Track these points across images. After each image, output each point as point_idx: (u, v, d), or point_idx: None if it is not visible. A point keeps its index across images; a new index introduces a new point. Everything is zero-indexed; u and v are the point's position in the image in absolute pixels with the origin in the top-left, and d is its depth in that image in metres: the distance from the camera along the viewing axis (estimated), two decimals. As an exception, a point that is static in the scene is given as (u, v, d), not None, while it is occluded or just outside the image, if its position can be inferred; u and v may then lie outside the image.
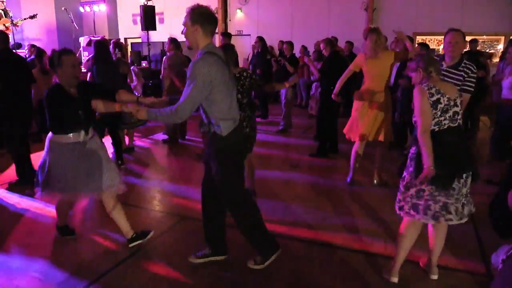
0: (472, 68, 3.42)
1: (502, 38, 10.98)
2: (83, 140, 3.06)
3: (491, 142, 5.25)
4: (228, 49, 3.89)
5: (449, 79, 3.36)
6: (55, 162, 3.04)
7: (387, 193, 4.56)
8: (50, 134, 3.07)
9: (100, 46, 5.24)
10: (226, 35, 7.95)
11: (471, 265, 3.09)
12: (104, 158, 3.15)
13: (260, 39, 8.46)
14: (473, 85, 3.43)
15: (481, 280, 2.90)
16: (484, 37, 11.33)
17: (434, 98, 2.55)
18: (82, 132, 3.05)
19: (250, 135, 3.93)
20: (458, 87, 3.36)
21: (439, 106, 2.55)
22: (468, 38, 11.31)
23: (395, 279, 2.83)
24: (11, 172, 4.96)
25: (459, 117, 2.63)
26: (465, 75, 3.41)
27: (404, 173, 2.77)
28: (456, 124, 2.62)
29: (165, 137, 6.90)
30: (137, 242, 3.24)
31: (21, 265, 3.07)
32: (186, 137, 7.12)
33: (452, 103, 2.59)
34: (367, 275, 2.96)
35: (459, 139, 2.64)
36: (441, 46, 11.83)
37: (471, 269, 3.04)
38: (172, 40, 6.79)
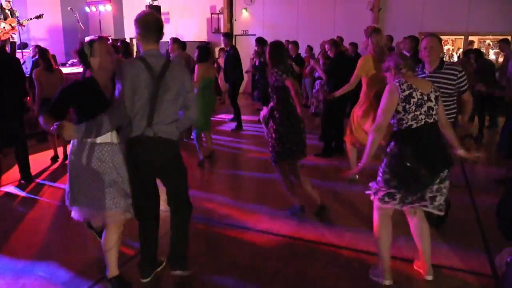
0: (457, 68, 3.45)
1: (509, 38, 10.90)
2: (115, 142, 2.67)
3: (501, 138, 5.19)
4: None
5: (434, 80, 3.35)
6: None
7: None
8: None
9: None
10: (227, 36, 7.98)
11: (476, 265, 3.07)
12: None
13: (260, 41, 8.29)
14: (467, 82, 3.46)
15: (486, 281, 2.89)
16: (491, 37, 11.26)
17: (406, 93, 2.57)
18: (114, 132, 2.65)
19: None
20: (452, 90, 3.42)
21: (412, 100, 2.56)
22: (474, 38, 11.35)
23: (389, 282, 2.81)
24: (15, 172, 4.99)
25: (435, 112, 2.63)
26: (454, 77, 3.41)
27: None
28: (432, 120, 2.63)
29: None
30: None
31: (26, 264, 3.10)
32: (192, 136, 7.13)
33: (425, 97, 2.60)
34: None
35: (437, 136, 2.67)
36: (446, 47, 11.79)
37: (476, 270, 3.02)
38: (175, 40, 6.80)
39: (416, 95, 2.57)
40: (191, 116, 2.74)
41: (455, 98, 3.48)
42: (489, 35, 11.14)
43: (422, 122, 2.58)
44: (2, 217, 3.97)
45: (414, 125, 2.58)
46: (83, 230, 3.56)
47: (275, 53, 3.75)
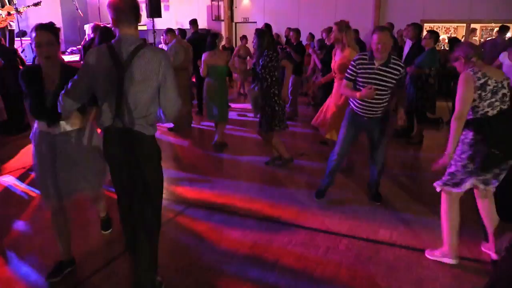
0: (401, 64, 3.54)
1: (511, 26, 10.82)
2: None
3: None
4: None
5: (381, 77, 3.49)
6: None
7: (393, 183, 4.56)
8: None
9: (106, 33, 5.19)
10: (192, 22, 8.15)
11: (474, 253, 3.09)
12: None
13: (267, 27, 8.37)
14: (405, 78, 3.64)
15: (485, 268, 2.90)
16: (493, 24, 11.16)
17: (482, 81, 2.66)
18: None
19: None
20: (392, 85, 3.54)
21: (488, 88, 2.65)
22: (476, 26, 11.26)
23: (455, 261, 2.93)
24: (18, 160, 5.00)
25: (507, 99, 2.73)
26: (398, 73, 3.51)
27: (455, 156, 2.82)
28: (506, 107, 2.73)
29: (171, 125, 6.90)
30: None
31: (27, 253, 3.13)
32: (192, 125, 7.14)
33: (499, 85, 2.69)
34: (372, 263, 2.98)
35: (511, 122, 2.76)
36: (441, 36, 11.69)
37: (475, 257, 3.04)
38: (168, 31, 6.76)
39: (491, 82, 2.66)
40: (166, 119, 2.39)
41: (390, 92, 3.61)
42: (491, 23, 11.04)
43: (498, 109, 2.68)
44: (3, 206, 3.99)
45: (490, 112, 2.68)
46: (84, 219, 3.59)
47: (268, 36, 4.56)
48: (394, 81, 3.53)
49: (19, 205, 3.97)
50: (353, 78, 3.63)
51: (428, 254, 3.05)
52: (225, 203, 3.99)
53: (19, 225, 3.58)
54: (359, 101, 3.62)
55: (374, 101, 3.55)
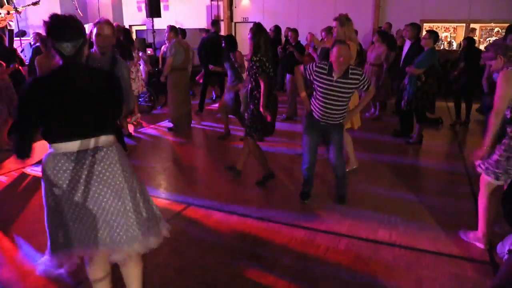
0: (359, 71, 3.63)
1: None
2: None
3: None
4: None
5: (340, 89, 3.57)
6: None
7: (392, 183, 4.57)
8: None
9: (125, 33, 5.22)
10: (213, 23, 8.26)
11: (475, 253, 3.09)
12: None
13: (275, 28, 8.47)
14: (367, 79, 3.67)
15: (485, 268, 2.91)
16: (492, 24, 11.16)
17: None
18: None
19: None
20: (352, 92, 3.66)
21: None
22: (475, 26, 11.26)
23: (486, 246, 3.09)
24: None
25: None
26: (357, 81, 3.59)
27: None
28: None
29: (171, 125, 6.91)
30: None
31: (32, 248, 3.14)
32: (191, 125, 7.14)
33: None
34: (371, 263, 2.98)
35: None
36: (444, 34, 11.69)
37: (474, 257, 3.04)
38: (171, 28, 6.77)
39: None
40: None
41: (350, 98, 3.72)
42: (491, 23, 11.05)
43: None
44: (10, 204, 3.99)
45: None
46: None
47: (264, 35, 4.09)
48: (353, 89, 3.64)
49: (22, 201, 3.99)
50: (308, 77, 3.72)
51: (462, 235, 3.25)
52: (224, 203, 3.99)
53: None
54: (320, 109, 3.70)
55: (334, 109, 3.66)
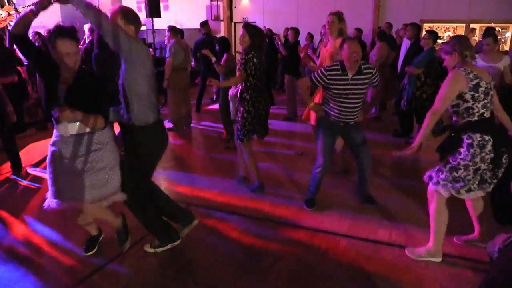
0: (371, 66, 3.61)
1: (511, 26, 10.82)
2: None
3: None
4: None
5: (356, 87, 3.52)
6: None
7: (391, 184, 4.57)
8: None
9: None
10: (202, 24, 8.24)
11: (474, 253, 3.09)
12: None
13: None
14: (378, 75, 3.63)
15: (483, 268, 2.90)
16: (492, 24, 11.16)
17: (474, 82, 2.62)
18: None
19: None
20: (366, 88, 3.62)
21: (480, 89, 2.63)
22: (475, 26, 11.26)
23: (440, 259, 2.95)
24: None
25: (493, 100, 2.76)
26: (370, 75, 3.56)
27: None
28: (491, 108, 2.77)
29: (170, 125, 6.91)
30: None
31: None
32: (191, 125, 7.13)
33: (489, 86, 2.68)
34: (371, 263, 2.98)
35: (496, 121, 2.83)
36: (446, 34, 11.69)
37: (474, 257, 3.04)
38: (171, 28, 6.76)
39: (483, 84, 2.64)
40: None
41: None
42: (491, 23, 11.04)
43: (489, 110, 2.70)
44: (6, 204, 3.99)
45: (486, 114, 2.68)
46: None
47: (260, 37, 3.98)
48: (367, 85, 3.60)
49: (22, 202, 3.99)
50: (318, 84, 3.62)
51: (407, 252, 3.05)
52: (224, 203, 3.99)
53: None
54: (338, 110, 3.63)
55: (352, 107, 3.61)
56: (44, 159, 5.31)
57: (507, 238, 1.86)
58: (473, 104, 2.64)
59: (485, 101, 2.65)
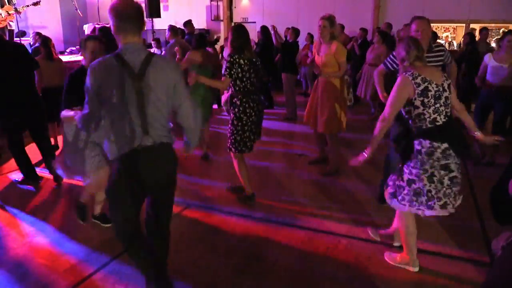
0: (441, 44, 3.73)
1: (511, 26, 10.82)
2: None
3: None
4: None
5: (429, 63, 3.35)
6: None
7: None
8: None
9: (106, 33, 5.15)
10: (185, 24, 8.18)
11: (474, 254, 3.10)
12: None
13: (263, 30, 8.47)
14: (450, 54, 3.69)
15: (484, 269, 2.91)
16: (492, 25, 11.16)
17: (422, 87, 2.51)
18: None
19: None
20: (442, 62, 3.58)
21: (430, 93, 2.52)
22: (475, 26, 11.27)
23: (417, 269, 2.87)
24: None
25: (449, 102, 2.62)
26: (442, 53, 3.59)
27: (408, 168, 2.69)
28: (449, 110, 2.62)
29: (170, 125, 6.89)
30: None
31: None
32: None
33: (441, 88, 2.56)
34: (371, 263, 2.98)
35: (456, 125, 2.67)
36: (444, 34, 11.70)
37: (474, 258, 3.05)
38: (171, 28, 6.75)
39: (432, 87, 2.52)
40: (189, 126, 2.49)
41: None
42: (490, 23, 11.04)
43: (444, 114, 2.56)
44: (6, 204, 3.99)
45: (438, 118, 2.55)
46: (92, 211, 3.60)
47: (243, 37, 3.74)
48: (441, 63, 3.57)
49: (26, 200, 3.99)
50: (392, 69, 3.61)
51: (387, 257, 3.01)
52: (224, 203, 3.99)
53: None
54: None
55: None
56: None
57: (510, 236, 1.86)
58: (423, 110, 2.54)
59: (437, 105, 2.53)
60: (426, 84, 2.51)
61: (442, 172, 2.57)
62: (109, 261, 2.98)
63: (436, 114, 2.55)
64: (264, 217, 3.70)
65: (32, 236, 3.37)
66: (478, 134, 2.83)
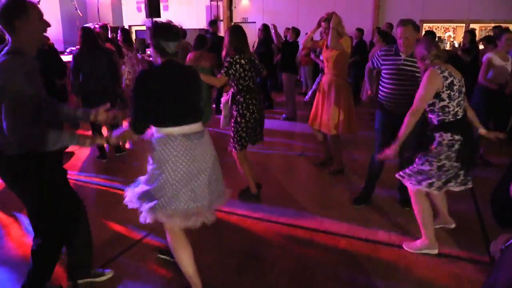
0: None
1: (511, 26, 10.82)
2: None
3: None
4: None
5: (410, 68, 3.43)
6: None
7: (392, 183, 4.56)
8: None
9: (86, 33, 4.89)
10: (211, 23, 8.25)
11: (474, 253, 3.10)
12: None
13: (264, 27, 8.46)
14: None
15: (484, 268, 2.91)
16: (492, 25, 11.16)
17: (449, 81, 2.65)
18: None
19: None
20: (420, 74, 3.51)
21: (455, 87, 2.66)
22: (475, 26, 11.28)
23: (437, 251, 3.02)
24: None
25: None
26: None
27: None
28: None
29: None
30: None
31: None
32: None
33: (461, 83, 2.72)
34: (371, 263, 2.98)
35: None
36: (447, 34, 11.70)
37: (474, 258, 3.05)
38: None
39: (456, 82, 2.68)
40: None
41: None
42: (490, 23, 11.04)
43: (463, 108, 2.75)
44: (6, 204, 3.99)
45: (459, 112, 2.72)
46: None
47: (239, 36, 3.73)
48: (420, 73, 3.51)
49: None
50: (376, 67, 3.73)
51: (405, 246, 3.13)
52: (224, 203, 3.98)
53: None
54: (388, 96, 3.53)
55: (402, 94, 3.42)
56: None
57: (509, 238, 1.86)
58: (448, 102, 2.69)
59: (459, 99, 2.71)
60: (452, 78, 2.66)
61: (454, 164, 2.78)
62: (109, 261, 2.97)
63: (458, 107, 2.71)
64: (264, 217, 3.70)
65: (31, 237, 3.36)
66: (482, 130, 3.00)
